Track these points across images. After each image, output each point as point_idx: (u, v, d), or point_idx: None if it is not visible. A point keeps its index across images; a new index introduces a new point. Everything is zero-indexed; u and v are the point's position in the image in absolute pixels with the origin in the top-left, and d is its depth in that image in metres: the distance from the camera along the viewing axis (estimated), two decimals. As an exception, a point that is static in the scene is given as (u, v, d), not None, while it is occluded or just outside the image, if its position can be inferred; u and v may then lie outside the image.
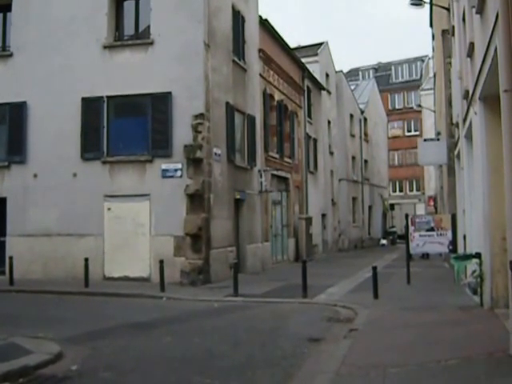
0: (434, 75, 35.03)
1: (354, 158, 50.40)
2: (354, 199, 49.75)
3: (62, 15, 20.94)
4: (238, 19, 23.96)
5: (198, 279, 19.23)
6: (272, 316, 13.58)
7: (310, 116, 37.27)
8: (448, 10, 21.46)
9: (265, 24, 28.05)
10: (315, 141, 38.63)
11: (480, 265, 12.78)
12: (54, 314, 13.74)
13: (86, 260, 18.77)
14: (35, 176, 20.78)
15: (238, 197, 23.05)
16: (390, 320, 12.20)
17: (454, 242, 18.16)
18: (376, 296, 15.07)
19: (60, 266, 20.10)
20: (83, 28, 20.73)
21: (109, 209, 20.15)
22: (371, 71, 77.05)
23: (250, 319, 13.23)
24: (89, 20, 20.76)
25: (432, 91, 42.27)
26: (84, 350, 9.62)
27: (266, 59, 27.97)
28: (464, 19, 14.62)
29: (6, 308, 14.29)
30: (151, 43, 20.34)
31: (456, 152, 20.42)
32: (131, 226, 19.94)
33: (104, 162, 20.36)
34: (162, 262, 18.03)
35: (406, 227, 18.68)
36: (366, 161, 53.97)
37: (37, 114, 20.87)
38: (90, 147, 20.43)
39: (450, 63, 21.59)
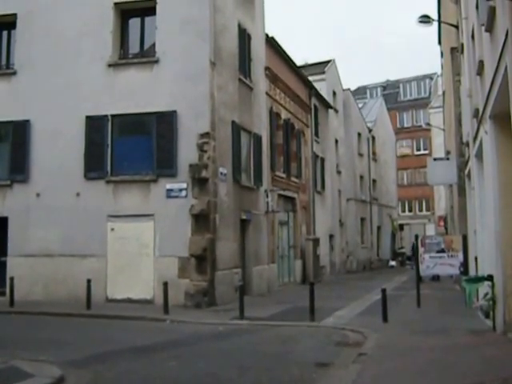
0: (443, 93, 34.87)
1: (362, 177, 50.17)
2: (362, 219, 49.45)
3: (66, 33, 20.90)
4: (244, 37, 23.86)
5: (203, 301, 18.93)
6: (279, 340, 13.35)
7: (317, 135, 37.08)
8: (457, 27, 21.32)
9: (271, 42, 28.01)
10: (322, 160, 38.43)
11: (492, 287, 12.63)
12: (55, 337, 13.51)
13: (89, 281, 18.44)
14: (38, 195, 20.57)
15: (243, 217, 22.75)
16: (399, 344, 11.91)
17: (465, 264, 17.96)
18: (385, 319, 14.80)
19: (62, 288, 19.83)
20: (88, 46, 20.67)
21: (112, 229, 19.91)
22: (379, 89, 76.99)
23: (256, 343, 13.02)
24: (93, 38, 20.70)
25: (441, 109, 42.18)
26: (86, 374, 9.47)
27: (273, 77, 27.84)
28: (473, 37, 14.52)
29: (7, 330, 14.19)
30: (156, 61, 20.21)
31: (466, 171, 20.17)
32: (135, 247, 19.69)
33: (108, 182, 20.16)
34: (165, 283, 17.69)
35: (416, 248, 18.42)
36: (374, 180, 53.74)
37: (40, 132, 20.76)
38: (94, 166, 20.25)
39: (460, 81, 21.45)
